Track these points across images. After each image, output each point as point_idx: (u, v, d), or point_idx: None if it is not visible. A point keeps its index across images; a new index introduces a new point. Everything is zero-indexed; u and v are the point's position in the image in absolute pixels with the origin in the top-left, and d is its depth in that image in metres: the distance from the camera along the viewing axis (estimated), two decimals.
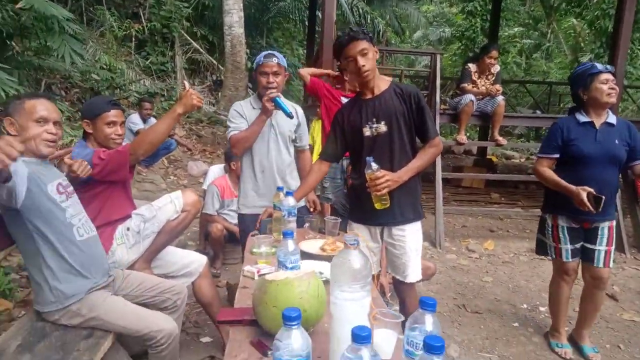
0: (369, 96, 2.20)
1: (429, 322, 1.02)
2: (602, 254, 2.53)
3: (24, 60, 4.98)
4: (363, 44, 2.06)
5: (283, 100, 2.44)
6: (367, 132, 2.18)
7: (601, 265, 2.54)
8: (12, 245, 2.11)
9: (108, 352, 1.87)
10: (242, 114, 2.61)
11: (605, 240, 2.54)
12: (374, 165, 2.04)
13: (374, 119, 2.16)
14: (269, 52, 2.58)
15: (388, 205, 2.09)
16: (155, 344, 1.90)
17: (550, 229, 2.65)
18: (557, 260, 2.68)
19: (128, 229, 2.27)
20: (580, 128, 2.52)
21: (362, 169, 2.10)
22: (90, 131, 2.24)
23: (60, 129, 1.88)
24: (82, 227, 1.90)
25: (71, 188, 1.95)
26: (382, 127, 2.15)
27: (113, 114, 2.21)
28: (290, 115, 2.46)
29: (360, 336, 0.85)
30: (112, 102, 2.27)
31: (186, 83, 2.15)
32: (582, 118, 2.54)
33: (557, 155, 2.58)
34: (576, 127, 2.53)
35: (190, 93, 2.09)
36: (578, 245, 2.60)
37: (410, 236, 2.23)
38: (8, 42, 4.71)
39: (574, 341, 2.79)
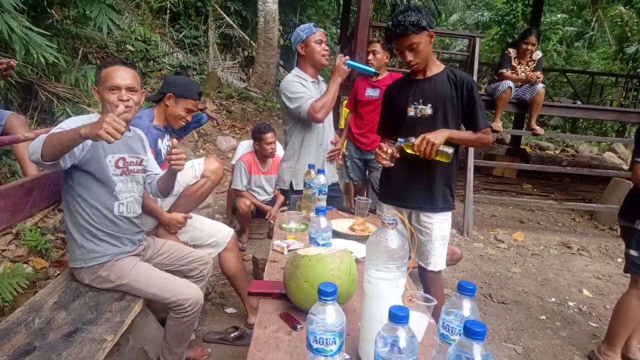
0: (420, 77, 2.14)
1: (467, 307, 0.98)
2: None
3: (63, 29, 5.06)
4: (411, 39, 1.97)
5: (356, 61, 2.50)
6: (411, 112, 2.13)
7: None
8: (52, 206, 2.19)
9: (137, 316, 1.92)
10: (304, 84, 2.53)
11: None
12: (409, 140, 1.97)
13: (421, 100, 2.10)
14: (311, 24, 2.59)
15: (451, 155, 1.94)
16: (181, 311, 1.93)
17: None
18: None
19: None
20: None
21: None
22: (168, 105, 2.31)
23: (135, 93, 1.86)
24: (125, 205, 1.92)
25: (135, 167, 1.98)
26: (427, 110, 2.09)
27: (196, 104, 2.34)
28: (376, 73, 2.53)
29: (398, 316, 0.83)
30: (200, 93, 2.39)
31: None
32: None
33: None
34: None
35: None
36: None
37: (438, 225, 2.18)
38: (48, 10, 4.78)
39: (623, 354, 2.52)
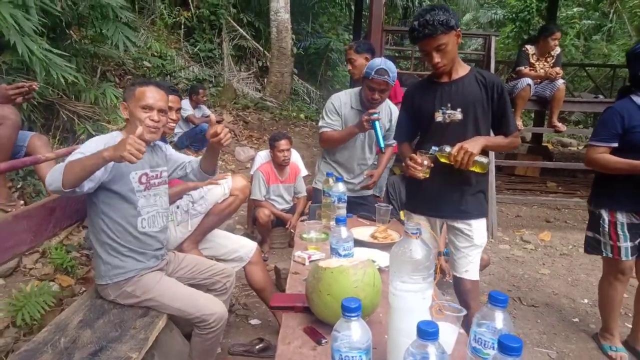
0: (445, 80, 2.02)
1: (499, 319, 0.95)
2: None
3: (81, 48, 5.17)
4: (440, 40, 1.85)
5: (380, 126, 2.48)
6: (439, 117, 2.01)
7: None
8: (75, 224, 2.21)
9: (162, 332, 1.92)
10: (338, 110, 2.67)
11: None
12: (443, 150, 1.89)
13: (449, 105, 1.99)
14: (382, 67, 2.44)
15: (487, 165, 1.88)
16: (205, 326, 1.92)
17: (607, 226, 2.41)
18: (612, 259, 2.43)
19: (178, 207, 2.35)
20: None
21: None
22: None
23: (165, 116, 1.96)
24: (147, 220, 1.94)
25: (156, 180, 2.00)
26: (457, 115, 1.98)
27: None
28: (380, 149, 2.54)
29: (428, 332, 0.80)
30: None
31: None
32: None
33: (616, 144, 2.29)
34: (637, 112, 2.25)
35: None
36: (637, 242, 2.37)
37: (477, 231, 2.10)
38: (67, 31, 4.90)
39: (631, 346, 2.58)
